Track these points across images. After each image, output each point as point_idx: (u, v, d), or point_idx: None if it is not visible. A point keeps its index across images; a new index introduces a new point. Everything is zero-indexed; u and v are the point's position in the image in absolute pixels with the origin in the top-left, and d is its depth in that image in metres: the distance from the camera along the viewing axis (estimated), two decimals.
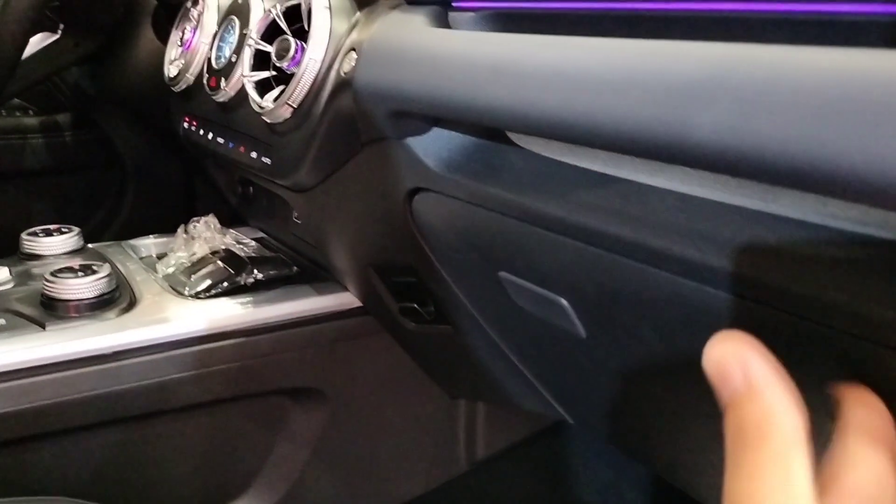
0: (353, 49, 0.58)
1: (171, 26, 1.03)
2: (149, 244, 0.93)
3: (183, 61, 0.89)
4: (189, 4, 0.93)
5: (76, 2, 0.98)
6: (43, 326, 0.68)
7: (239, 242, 0.89)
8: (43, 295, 0.71)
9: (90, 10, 1.02)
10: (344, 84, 0.59)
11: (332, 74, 0.62)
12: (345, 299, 0.80)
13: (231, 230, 0.91)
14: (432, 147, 0.56)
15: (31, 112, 1.49)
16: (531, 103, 0.42)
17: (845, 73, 0.27)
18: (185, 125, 0.92)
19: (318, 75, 0.65)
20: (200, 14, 0.88)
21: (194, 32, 0.88)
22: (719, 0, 0.36)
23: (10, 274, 0.77)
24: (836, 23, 0.32)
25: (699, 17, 0.38)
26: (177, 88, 0.91)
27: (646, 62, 0.36)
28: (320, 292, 0.80)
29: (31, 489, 0.67)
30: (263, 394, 0.78)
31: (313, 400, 0.81)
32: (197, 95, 0.88)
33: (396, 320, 0.78)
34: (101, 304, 0.71)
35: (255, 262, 0.83)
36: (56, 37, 1.01)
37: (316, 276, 0.85)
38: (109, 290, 0.72)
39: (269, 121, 0.70)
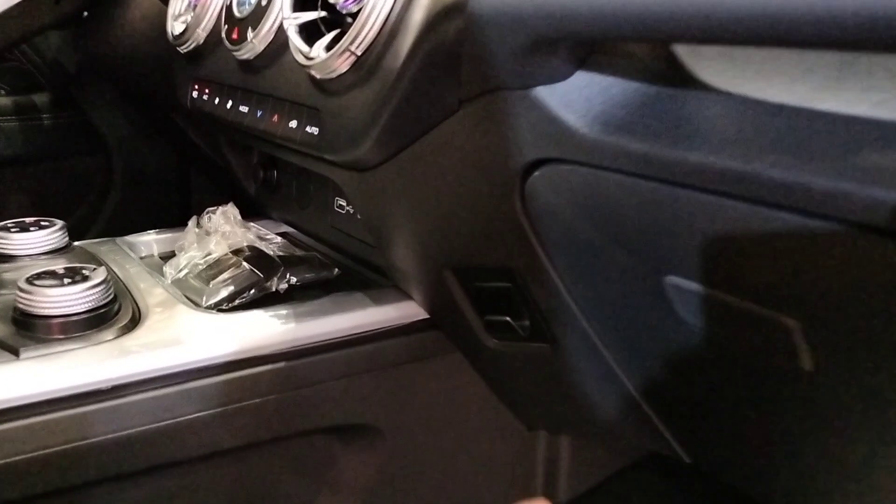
0: None
1: None
2: (149, 241, 0.75)
3: (192, 15, 0.71)
4: None
5: None
6: (16, 353, 0.50)
7: (262, 239, 0.71)
8: (16, 309, 0.53)
9: None
10: (447, 11, 0.42)
11: (420, 6, 0.45)
12: (407, 310, 0.63)
13: (253, 224, 0.73)
14: (577, 98, 0.39)
15: (2, 92, 1.31)
16: None
17: None
18: (195, 94, 0.74)
19: (392, 11, 0.47)
20: None
21: None
22: None
23: None
24: None
25: None
26: (184, 49, 0.73)
27: None
28: (376, 302, 0.62)
29: None
30: (305, 433, 0.60)
31: (366, 439, 0.64)
32: (210, 55, 0.71)
33: (474, 336, 0.61)
34: (94, 322, 0.53)
35: (288, 262, 0.66)
36: None
37: (365, 280, 0.68)
38: (105, 302, 0.54)
39: (318, 76, 0.53)
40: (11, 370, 0.49)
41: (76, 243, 0.69)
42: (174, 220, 1.54)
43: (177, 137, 1.29)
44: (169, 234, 0.76)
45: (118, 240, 0.73)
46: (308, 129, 0.56)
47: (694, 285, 0.40)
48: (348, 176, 0.57)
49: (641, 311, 0.47)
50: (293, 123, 0.58)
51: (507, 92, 0.41)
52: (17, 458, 0.48)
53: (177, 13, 0.76)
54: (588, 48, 0.39)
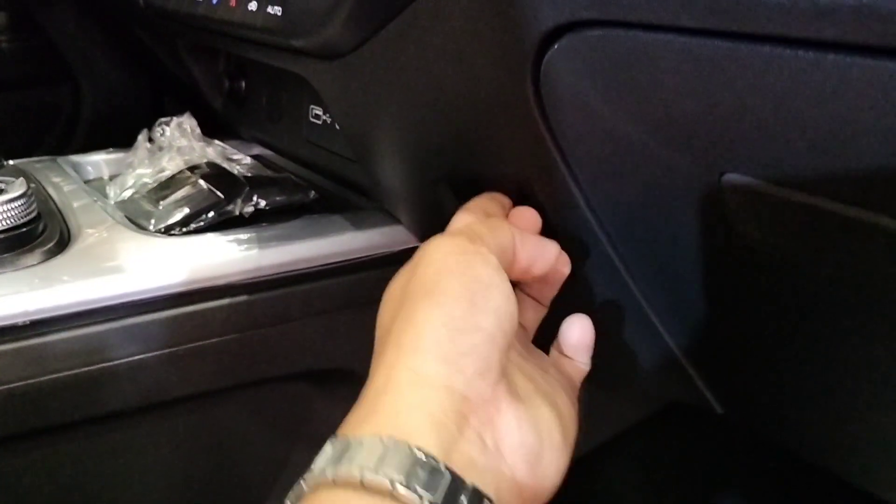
0: None
1: None
2: (97, 161, 0.65)
3: None
4: None
5: None
6: None
7: (228, 159, 0.61)
8: None
9: None
10: None
11: None
12: (393, 236, 0.53)
13: (216, 141, 0.63)
14: None
15: None
16: None
17: None
18: None
19: None
20: None
21: None
22: None
23: None
24: None
25: None
26: None
27: None
28: (357, 226, 0.53)
29: None
30: (272, 380, 0.51)
31: (345, 386, 0.54)
32: None
33: None
34: (10, 244, 0.44)
35: (254, 183, 0.56)
36: None
37: (345, 203, 0.58)
38: (26, 220, 0.44)
39: None
40: None
41: (9, 162, 0.59)
42: None
43: (149, 62, 1.17)
44: (122, 154, 0.66)
45: (60, 159, 0.63)
46: (269, 9, 0.45)
47: (764, 184, 0.31)
48: (321, 68, 0.46)
49: (684, 227, 0.38)
50: (252, 5, 0.47)
51: None
52: None
53: None
54: None
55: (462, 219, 0.38)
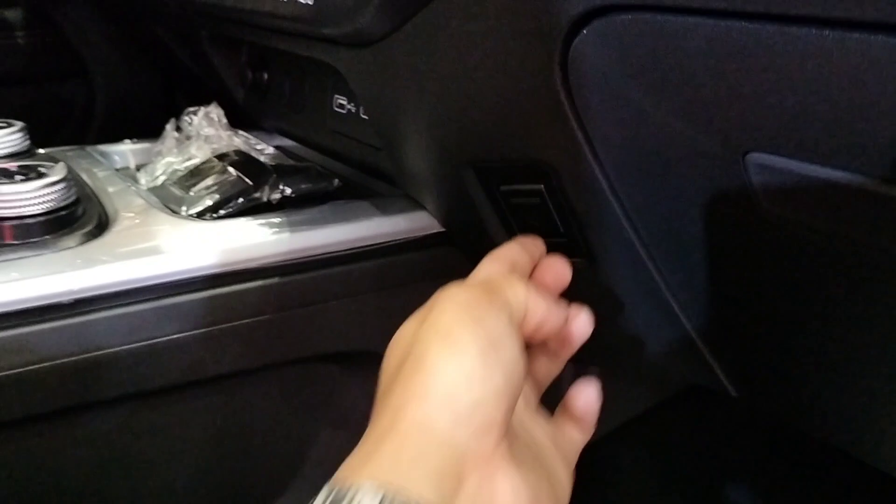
0: None
1: None
2: (124, 151, 0.66)
3: None
4: None
5: None
6: None
7: (254, 148, 0.63)
8: None
9: None
10: None
11: None
12: (418, 222, 0.55)
13: (241, 132, 0.64)
14: None
15: None
16: None
17: None
18: None
19: None
20: None
21: None
22: None
23: None
24: None
25: None
26: None
27: None
28: (383, 211, 0.54)
29: None
30: (300, 361, 0.53)
31: (370, 368, 0.56)
32: None
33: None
34: (52, 226, 0.45)
35: (281, 171, 0.58)
36: None
37: (369, 190, 0.60)
38: (66, 203, 0.46)
39: None
40: None
41: (41, 150, 0.61)
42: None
43: (162, 57, 1.19)
44: (148, 145, 0.67)
45: (89, 148, 0.65)
46: None
47: (787, 161, 0.32)
48: (350, 56, 0.48)
49: (706, 207, 0.39)
50: None
51: None
52: None
53: None
54: None
55: (486, 269, 0.38)
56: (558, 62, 0.37)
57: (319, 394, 0.55)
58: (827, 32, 0.27)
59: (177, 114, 1.44)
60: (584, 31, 0.36)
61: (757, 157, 0.33)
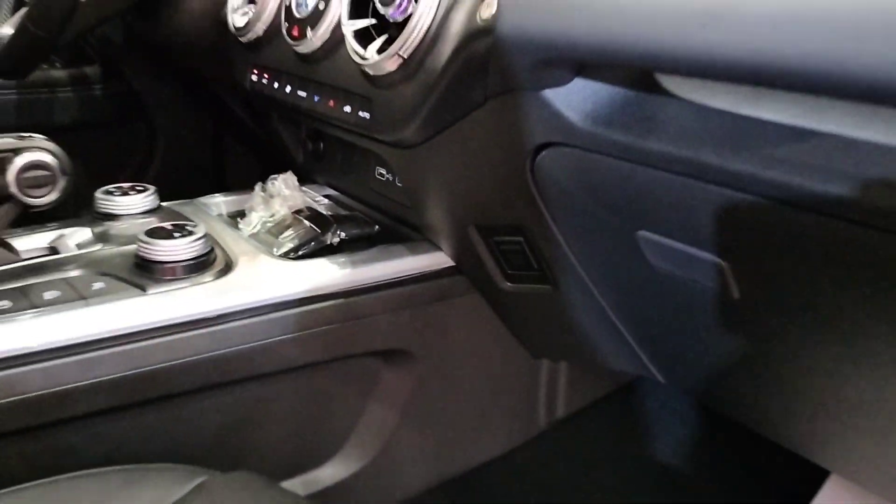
0: None
1: None
2: (218, 202, 0.89)
3: (252, 10, 0.84)
4: None
5: None
6: (143, 290, 0.65)
7: (315, 201, 0.86)
8: (137, 256, 0.68)
9: None
10: (479, 32, 0.56)
11: (456, 22, 0.59)
12: (437, 259, 0.78)
13: (305, 188, 0.88)
14: (574, 99, 0.54)
15: (58, 65, 1.43)
16: (698, 35, 0.39)
17: None
18: (254, 77, 0.88)
19: (432, 24, 0.61)
20: None
21: None
22: None
23: (92, 235, 0.74)
24: None
25: None
26: (245, 39, 0.86)
27: None
28: (412, 252, 0.77)
29: (134, 456, 0.65)
30: (356, 356, 0.76)
31: (403, 361, 0.79)
32: (269, 46, 0.84)
33: (491, 280, 0.76)
34: (198, 267, 0.68)
35: (338, 220, 0.81)
36: None
37: (398, 234, 0.83)
38: (206, 251, 0.69)
39: (371, 73, 0.67)
40: (142, 302, 0.64)
41: (163, 204, 0.84)
42: (209, 180, 1.70)
43: (213, 108, 1.42)
44: (232, 197, 0.90)
45: (195, 201, 0.88)
46: (361, 113, 0.70)
47: (658, 237, 0.55)
48: (393, 152, 0.71)
49: (622, 258, 0.62)
50: (347, 108, 0.72)
51: (523, 92, 0.55)
52: (150, 367, 0.63)
53: (235, 7, 0.89)
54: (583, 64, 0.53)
55: None
56: (529, 169, 0.60)
57: (368, 379, 0.79)
58: (681, 178, 0.49)
59: (223, 155, 1.68)
60: (543, 153, 0.59)
61: (642, 234, 0.56)
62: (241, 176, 1.58)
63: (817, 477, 0.92)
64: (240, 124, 1.30)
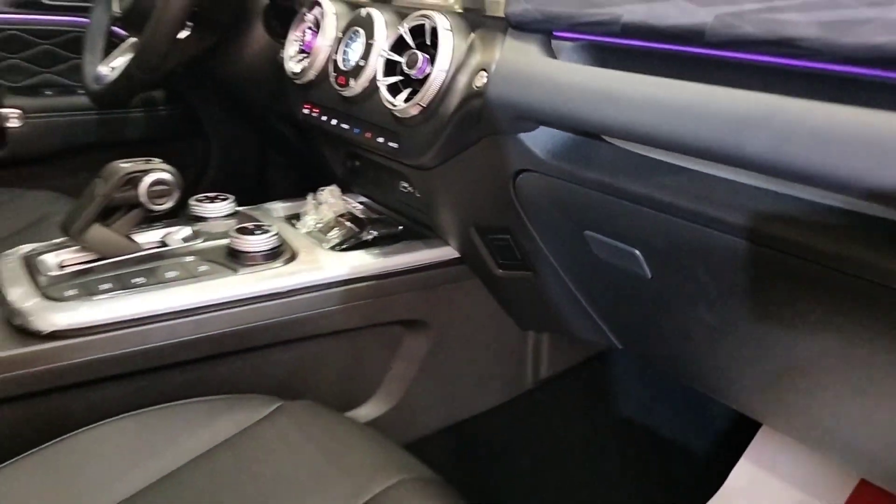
0: (484, 69, 0.79)
1: (279, 23, 1.24)
2: (278, 207, 1.15)
3: (306, 59, 1.10)
4: (305, 10, 1.13)
5: (204, 4, 1.18)
6: (235, 271, 0.91)
7: (353, 206, 1.11)
8: (229, 247, 0.93)
9: (213, 11, 1.22)
10: (475, 95, 0.81)
11: (460, 84, 0.84)
12: (446, 252, 1.03)
13: (346, 197, 1.13)
14: (539, 140, 0.78)
15: None
16: (627, 120, 0.64)
17: (839, 123, 0.49)
18: (306, 111, 1.13)
19: (443, 83, 0.86)
20: (319, 20, 1.08)
21: (315, 35, 1.08)
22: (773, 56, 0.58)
23: (192, 232, 1.00)
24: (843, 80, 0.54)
25: (752, 65, 0.59)
26: (300, 81, 1.12)
27: (714, 100, 0.58)
28: (428, 246, 1.02)
29: (235, 388, 0.91)
30: (386, 324, 1.01)
31: (420, 329, 1.04)
32: (319, 89, 1.09)
33: (486, 268, 1.01)
34: (273, 255, 0.93)
35: (371, 222, 1.06)
36: (187, 33, 1.21)
37: (416, 232, 1.08)
38: (278, 244, 0.95)
39: (399, 115, 0.92)
40: (235, 280, 0.90)
41: (239, 209, 1.09)
42: (256, 188, 1.97)
43: (260, 129, 1.68)
44: (287, 204, 1.16)
45: (261, 207, 1.13)
46: (391, 143, 0.95)
47: (598, 235, 0.80)
48: (415, 172, 0.96)
49: (578, 250, 0.87)
50: (380, 139, 0.97)
51: (505, 135, 0.80)
52: (243, 326, 0.89)
53: (290, 55, 1.15)
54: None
55: None
56: (512, 187, 0.85)
57: (394, 342, 1.04)
58: (608, 196, 0.74)
59: (266, 167, 1.93)
60: (521, 177, 0.83)
61: (588, 233, 0.81)
62: (281, 184, 1.84)
63: (752, 425, 1.16)
64: (281, 142, 1.54)
